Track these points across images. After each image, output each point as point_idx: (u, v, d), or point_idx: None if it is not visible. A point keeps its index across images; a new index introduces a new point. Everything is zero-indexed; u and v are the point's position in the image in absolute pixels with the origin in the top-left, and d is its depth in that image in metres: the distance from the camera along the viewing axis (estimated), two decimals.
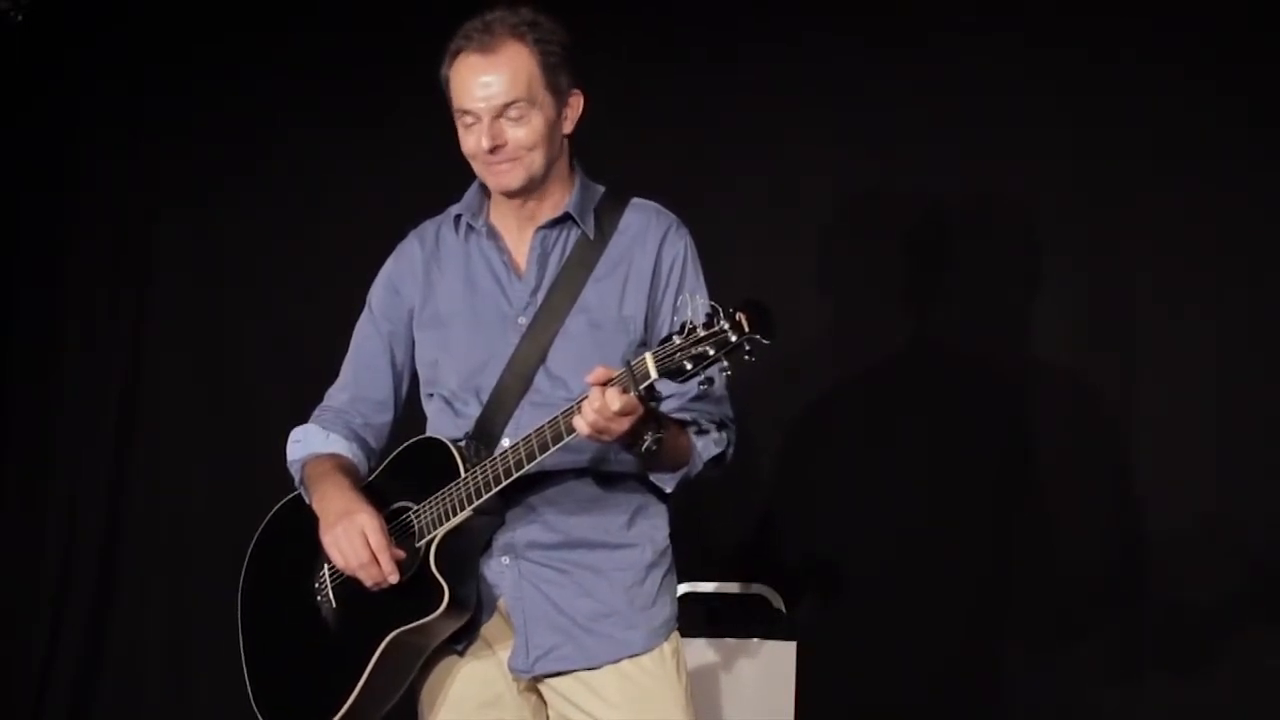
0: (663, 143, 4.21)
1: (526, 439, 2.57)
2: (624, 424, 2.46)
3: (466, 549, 2.71)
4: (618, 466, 2.71)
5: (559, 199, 2.78)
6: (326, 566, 2.77)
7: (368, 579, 2.66)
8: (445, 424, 2.78)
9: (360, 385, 2.91)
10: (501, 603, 2.76)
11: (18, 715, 4.83)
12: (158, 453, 4.83)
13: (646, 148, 4.17)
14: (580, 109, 2.76)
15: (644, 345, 2.71)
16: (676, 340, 2.37)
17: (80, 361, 4.90)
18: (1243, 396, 3.79)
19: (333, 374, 2.96)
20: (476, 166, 2.76)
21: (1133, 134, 3.87)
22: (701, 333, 2.35)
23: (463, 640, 2.76)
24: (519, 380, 2.72)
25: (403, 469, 2.78)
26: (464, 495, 2.64)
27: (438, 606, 2.62)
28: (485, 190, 2.83)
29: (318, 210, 4.63)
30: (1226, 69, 3.79)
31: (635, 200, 2.83)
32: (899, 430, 4.04)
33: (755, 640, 3.84)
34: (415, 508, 2.70)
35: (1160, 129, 3.84)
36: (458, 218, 2.84)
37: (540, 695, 2.80)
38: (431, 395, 2.83)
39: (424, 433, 2.82)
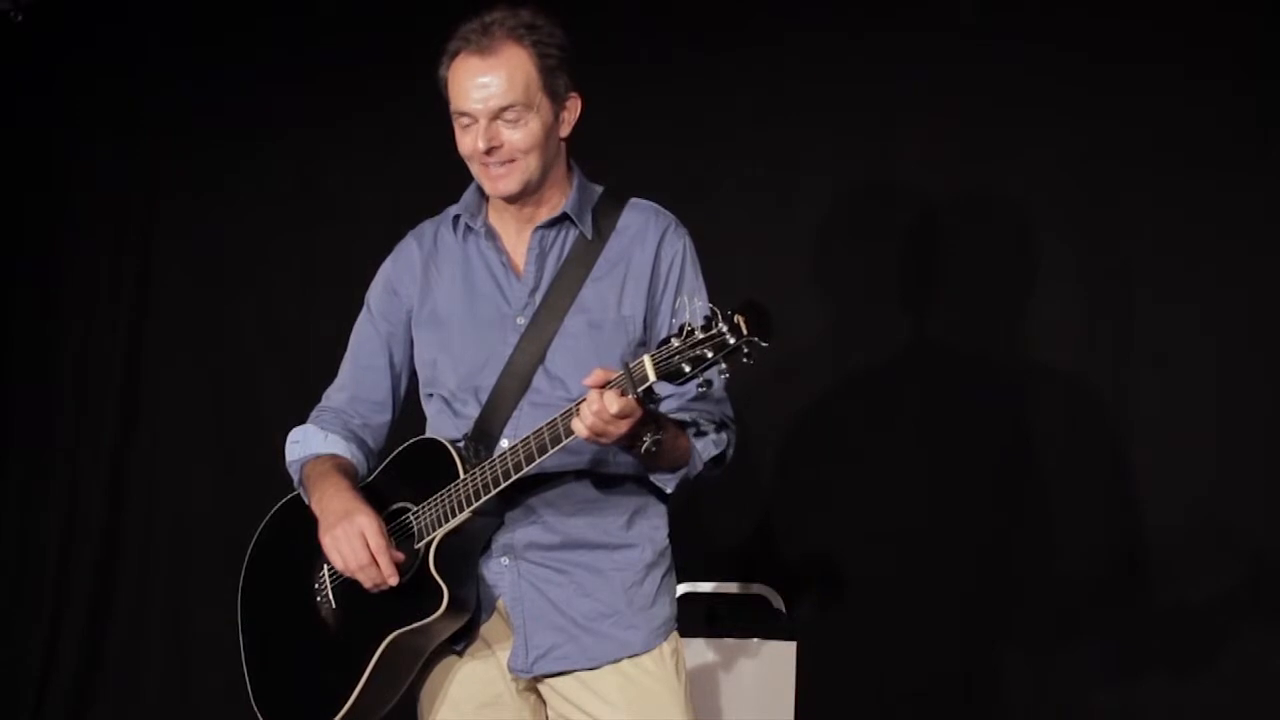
0: (662, 143, 4.22)
1: (525, 441, 2.57)
2: (622, 426, 2.46)
3: (466, 550, 2.71)
4: (617, 468, 2.71)
5: (557, 200, 2.78)
6: (326, 567, 2.77)
7: (367, 581, 2.66)
8: (444, 424, 2.78)
9: (359, 385, 2.91)
10: (501, 603, 2.76)
11: (18, 715, 4.83)
12: (158, 453, 4.84)
13: (646, 148, 4.18)
14: (578, 112, 2.76)
15: (643, 345, 2.72)
16: (675, 343, 2.38)
17: (80, 361, 4.90)
18: (1242, 396, 3.79)
19: (332, 374, 2.96)
20: (473, 169, 2.75)
21: (1132, 134, 3.87)
22: (700, 335, 2.35)
23: (462, 641, 2.76)
24: (518, 380, 2.72)
25: (402, 469, 2.78)
26: (463, 497, 2.64)
27: (437, 608, 2.62)
28: (483, 190, 2.82)
29: (318, 210, 4.64)
30: (1226, 69, 3.79)
31: (633, 200, 2.83)
32: (899, 430, 4.04)
33: (755, 640, 3.84)
34: (414, 509, 2.70)
35: (1160, 129, 3.84)
36: (456, 218, 2.84)
37: (539, 695, 2.80)
38: (431, 395, 2.83)
39: (423, 433, 2.81)
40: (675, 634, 2.80)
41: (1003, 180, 3.99)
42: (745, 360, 2.36)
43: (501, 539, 2.74)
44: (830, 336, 4.11)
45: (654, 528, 2.79)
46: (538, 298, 2.75)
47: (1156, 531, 3.83)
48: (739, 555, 4.13)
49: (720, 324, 2.34)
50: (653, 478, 2.73)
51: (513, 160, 2.69)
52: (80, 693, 4.84)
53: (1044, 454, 3.94)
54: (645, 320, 2.75)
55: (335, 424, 2.89)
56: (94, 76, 4.88)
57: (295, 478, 2.87)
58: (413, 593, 2.64)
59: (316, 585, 2.80)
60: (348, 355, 2.93)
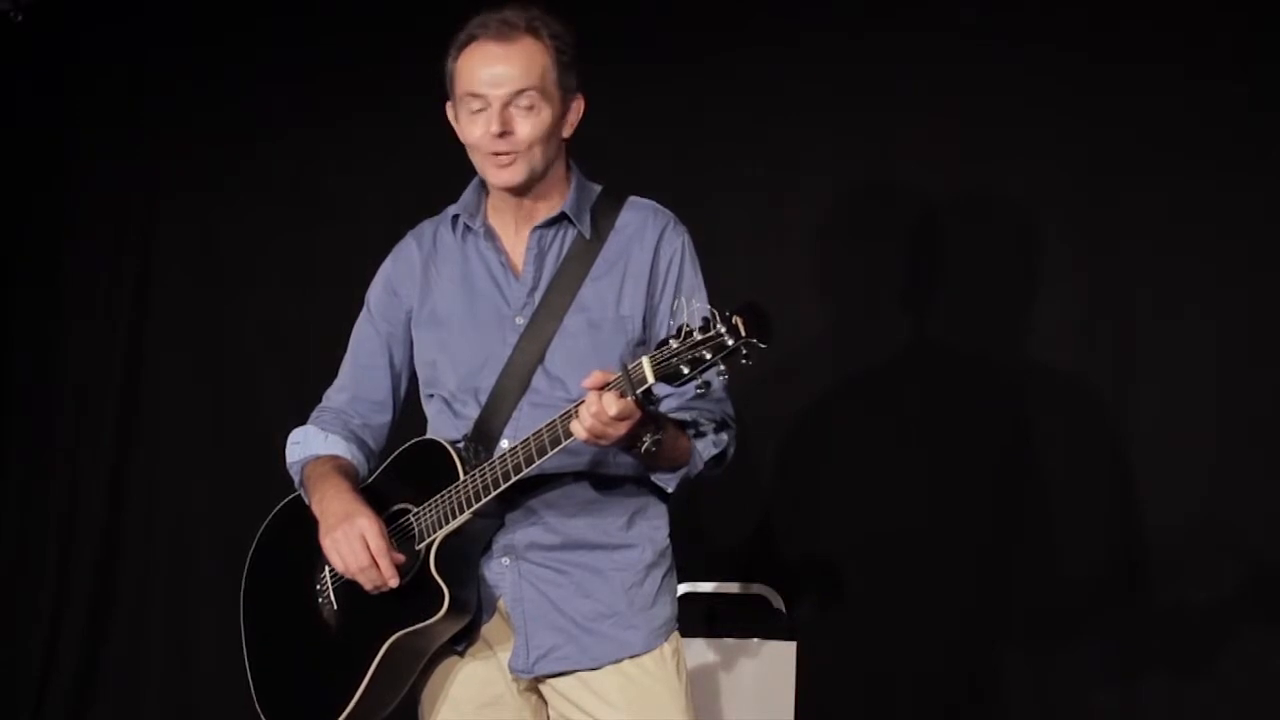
0: (662, 143, 4.22)
1: (525, 442, 2.57)
2: (621, 428, 2.46)
3: (467, 551, 2.71)
4: (617, 469, 2.71)
5: (556, 199, 2.77)
6: (327, 568, 2.77)
7: (367, 583, 2.65)
8: (444, 424, 2.78)
9: (359, 386, 2.90)
10: (501, 603, 2.76)
11: (18, 715, 4.84)
12: (158, 453, 4.84)
13: (646, 148, 4.18)
14: (580, 114, 2.76)
15: (642, 344, 2.72)
16: (673, 344, 2.38)
17: (80, 361, 4.90)
18: (1242, 396, 3.79)
19: (332, 374, 2.96)
20: (477, 160, 2.73)
21: (1133, 134, 3.86)
22: (698, 337, 2.35)
23: (463, 641, 2.76)
24: (517, 381, 2.72)
25: (402, 470, 2.77)
26: (464, 498, 2.64)
27: (438, 610, 2.62)
28: (483, 190, 2.82)
29: (318, 210, 4.64)
30: (1227, 69, 3.79)
31: (632, 199, 2.83)
32: (899, 430, 4.04)
33: (755, 640, 3.84)
34: (415, 510, 2.70)
35: (1160, 129, 3.84)
36: (455, 218, 2.84)
37: (540, 696, 2.80)
38: (431, 396, 2.83)
39: (424, 433, 2.81)
40: (676, 634, 2.80)
41: (1003, 180, 3.99)
42: (744, 362, 2.36)
43: (502, 539, 2.74)
44: (830, 336, 4.11)
45: (654, 528, 2.79)
46: (536, 297, 2.75)
47: (1156, 531, 3.83)
48: (739, 555, 4.13)
49: (719, 325, 2.34)
50: (653, 477, 2.72)
51: (520, 151, 2.68)
52: (80, 693, 4.84)
53: (1044, 454, 3.94)
54: (644, 319, 2.74)
55: (335, 424, 2.89)
56: (94, 76, 4.88)
57: (296, 479, 2.86)
58: (414, 594, 2.64)
59: (318, 586, 2.79)
60: (348, 355, 2.93)
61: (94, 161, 4.90)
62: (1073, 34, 3.91)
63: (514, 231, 2.79)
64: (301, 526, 2.77)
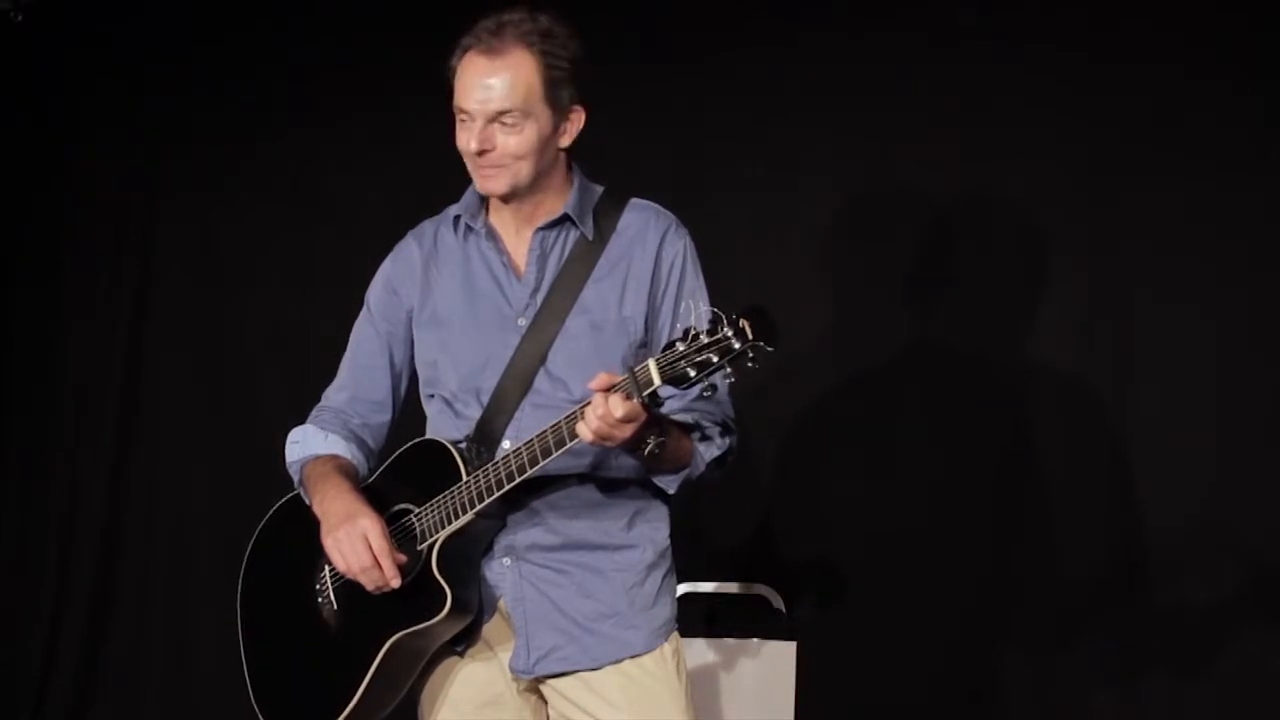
0: (662, 143, 4.21)
1: (529, 443, 2.57)
2: (627, 430, 2.46)
3: (468, 552, 2.71)
4: (619, 470, 2.71)
5: (557, 201, 2.77)
6: (327, 568, 2.76)
7: (369, 583, 2.65)
8: (445, 425, 2.78)
9: (358, 386, 2.90)
10: (502, 603, 2.75)
11: (18, 715, 4.84)
12: (158, 453, 4.84)
13: (646, 148, 4.18)
14: (581, 124, 2.73)
15: (644, 346, 2.72)
16: (680, 347, 2.37)
17: (80, 361, 4.90)
18: (1242, 397, 3.79)
19: (332, 374, 2.95)
20: (467, 164, 2.74)
21: (1132, 134, 3.86)
22: (705, 339, 2.35)
23: (463, 641, 2.75)
24: (519, 382, 2.71)
25: (403, 470, 2.77)
26: (466, 499, 2.63)
27: (440, 610, 2.62)
28: None
29: (318, 210, 4.64)
30: (1226, 69, 3.79)
31: (634, 200, 2.82)
32: (899, 430, 4.04)
33: (755, 640, 3.84)
34: (416, 510, 2.70)
35: (1160, 129, 3.84)
36: (456, 218, 2.83)
37: (540, 696, 2.80)
38: (431, 396, 2.82)
39: (423, 433, 2.81)
40: (676, 634, 2.80)
41: (1003, 180, 3.99)
42: (750, 365, 2.36)
43: (503, 540, 2.73)
44: (830, 336, 4.11)
45: (655, 529, 2.78)
46: (539, 298, 2.74)
47: (1156, 532, 3.83)
48: (739, 555, 4.13)
49: (725, 328, 2.34)
50: (655, 479, 2.72)
51: (503, 165, 2.68)
52: (80, 693, 4.85)
53: (1044, 454, 3.94)
54: (646, 321, 2.74)
55: (335, 424, 2.88)
56: (94, 76, 4.88)
57: (295, 478, 2.86)
58: (415, 595, 2.64)
59: (317, 586, 2.79)
60: (347, 355, 2.92)
61: (94, 161, 4.90)
62: (1073, 34, 3.91)
63: (515, 232, 2.79)
64: (300, 526, 2.77)
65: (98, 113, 4.88)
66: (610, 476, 2.72)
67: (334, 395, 2.92)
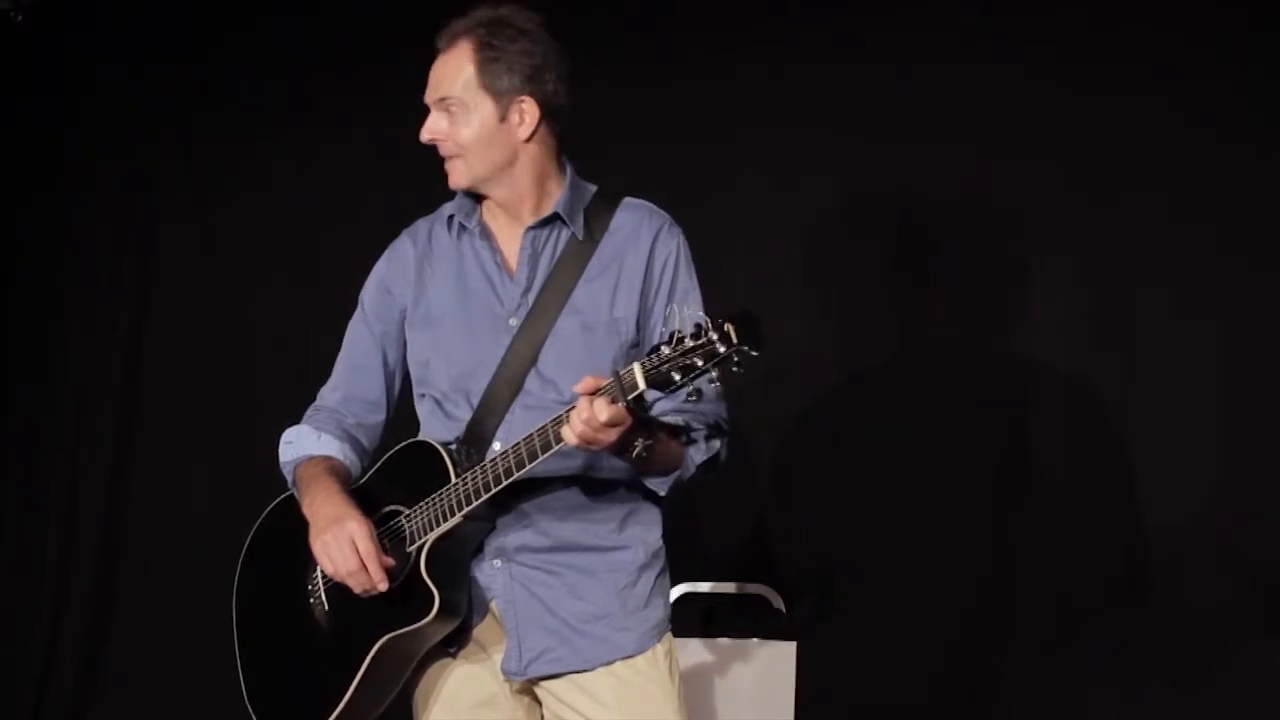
0: (662, 143, 4.21)
1: (516, 446, 2.56)
2: (612, 434, 2.45)
3: (458, 554, 2.70)
4: (609, 473, 2.70)
5: (548, 199, 2.76)
6: (319, 569, 2.76)
7: (357, 586, 2.65)
8: (436, 426, 2.77)
9: (352, 385, 2.89)
10: (494, 605, 2.75)
11: (18, 715, 4.84)
12: (158, 453, 4.84)
13: (646, 148, 4.18)
14: (536, 116, 2.71)
15: (636, 346, 2.71)
16: (665, 351, 2.36)
17: (80, 361, 4.90)
18: (1242, 397, 3.79)
19: (330, 377, 2.96)
20: None
21: (1133, 134, 3.87)
22: (690, 344, 2.33)
23: (456, 642, 2.75)
24: (510, 383, 2.70)
25: (394, 471, 2.76)
26: (455, 501, 2.62)
27: (428, 613, 2.61)
28: None
29: (318, 210, 4.64)
30: (1226, 69, 3.79)
31: (627, 200, 2.81)
32: (899, 430, 4.04)
33: (755, 640, 3.84)
34: (406, 512, 2.69)
35: (1160, 129, 3.84)
36: (450, 218, 2.82)
37: (533, 697, 2.79)
38: (423, 396, 2.82)
39: (418, 432, 2.80)
40: (669, 635, 2.79)
41: (1002, 180, 3.99)
42: (735, 369, 2.35)
43: (494, 542, 2.73)
44: (830, 336, 4.11)
45: (647, 529, 2.77)
46: (530, 298, 2.73)
47: (1157, 531, 3.83)
48: (738, 555, 4.13)
49: (710, 333, 2.32)
50: (645, 481, 2.71)
51: (455, 155, 2.71)
52: (80, 693, 4.84)
53: (1044, 454, 3.94)
54: (638, 322, 2.73)
55: (329, 424, 2.87)
56: (94, 76, 4.88)
57: (289, 479, 2.85)
58: (404, 597, 2.63)
59: (310, 587, 2.79)
60: (341, 354, 2.92)
61: (94, 161, 4.90)
62: (1073, 34, 3.91)
63: (508, 231, 2.78)
64: (295, 526, 2.76)
65: (98, 113, 4.88)
66: (600, 478, 2.70)
67: (328, 395, 2.91)
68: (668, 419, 2.65)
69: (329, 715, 2.67)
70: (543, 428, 2.52)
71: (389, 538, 2.68)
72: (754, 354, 2.34)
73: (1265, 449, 3.76)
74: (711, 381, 2.36)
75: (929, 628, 3.96)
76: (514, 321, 2.73)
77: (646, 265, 2.73)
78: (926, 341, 4.03)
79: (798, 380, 4.09)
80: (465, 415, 2.72)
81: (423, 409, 2.82)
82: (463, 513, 2.62)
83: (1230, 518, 3.77)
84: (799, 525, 4.14)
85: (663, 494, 2.74)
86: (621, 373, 2.40)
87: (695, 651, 3.76)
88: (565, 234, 2.75)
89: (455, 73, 2.69)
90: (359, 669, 2.65)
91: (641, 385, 2.38)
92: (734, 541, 4.17)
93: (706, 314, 2.37)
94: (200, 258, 4.80)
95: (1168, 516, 3.82)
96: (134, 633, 4.85)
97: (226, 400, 4.75)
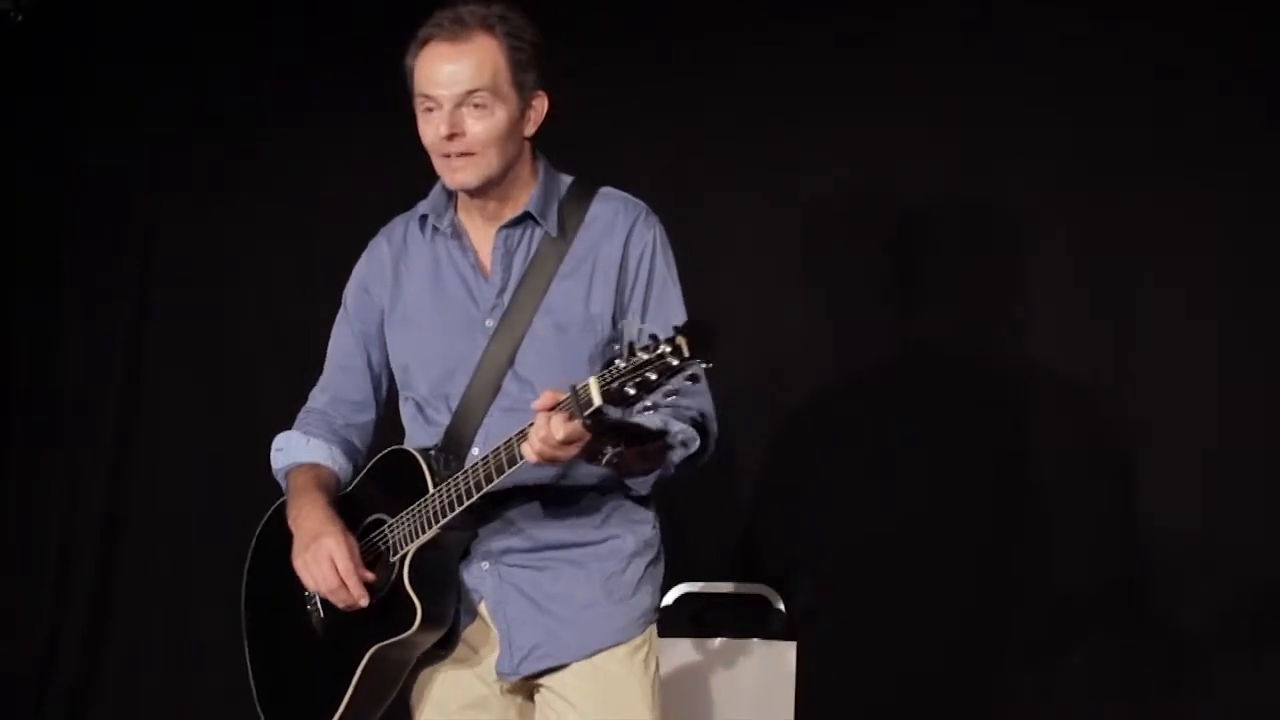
0: (661, 143, 4.21)
1: (485, 459, 2.53)
2: (571, 450, 2.41)
3: (442, 562, 2.68)
4: (588, 477, 2.66)
5: (522, 197, 2.71)
6: None
7: (338, 602, 2.65)
8: (418, 432, 2.75)
9: (339, 387, 2.88)
10: (483, 606, 2.73)
11: (18, 715, 4.83)
12: (158, 453, 4.83)
13: (646, 148, 4.17)
14: (544, 112, 2.68)
15: (615, 342, 2.60)
16: (619, 365, 2.30)
17: (80, 361, 4.90)
18: (1243, 397, 3.79)
19: (319, 379, 2.96)
20: (435, 162, 2.68)
21: (1133, 134, 3.87)
22: (644, 356, 2.27)
23: (447, 644, 2.73)
24: (488, 385, 2.67)
25: (378, 479, 2.75)
26: (433, 512, 2.61)
27: (411, 625, 2.60)
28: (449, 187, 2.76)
29: (318, 210, 4.63)
30: (1226, 69, 3.79)
31: (603, 190, 2.75)
32: (899, 430, 4.04)
33: (755, 640, 3.84)
34: (390, 521, 2.68)
35: (1160, 129, 3.84)
36: (423, 218, 2.78)
37: (526, 696, 2.77)
38: (407, 399, 2.79)
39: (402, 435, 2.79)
40: (652, 628, 2.75)
41: (1002, 180, 3.99)
42: (689, 382, 2.29)
43: (480, 546, 2.71)
44: (830, 336, 4.11)
45: (635, 520, 2.74)
46: (505, 298, 2.69)
47: (1156, 532, 3.84)
48: (738, 555, 4.13)
49: (663, 345, 2.26)
50: (626, 481, 2.67)
51: (472, 153, 2.62)
52: (80, 693, 4.84)
53: (1044, 455, 3.95)
54: (614, 317, 2.68)
55: (319, 426, 2.87)
56: (94, 76, 4.88)
57: (282, 485, 2.85)
58: (390, 608, 2.63)
59: (307, 593, 2.78)
60: (327, 356, 2.91)
61: (94, 161, 4.89)
62: (1073, 34, 3.91)
63: (483, 230, 2.74)
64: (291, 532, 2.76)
65: (98, 113, 4.88)
66: (579, 483, 2.67)
67: (317, 396, 2.91)
68: (645, 417, 2.52)
69: (331, 718, 2.67)
70: (507, 441, 2.49)
71: (372, 549, 2.68)
72: (707, 366, 2.29)
73: (1265, 449, 3.76)
74: (667, 395, 2.30)
75: (929, 628, 3.96)
76: (490, 323, 2.69)
77: (622, 258, 2.68)
78: (926, 341, 4.03)
79: (797, 379, 4.09)
80: (445, 420, 2.70)
81: (405, 412, 2.80)
82: (440, 524, 2.60)
83: (1229, 517, 3.77)
84: (798, 525, 4.14)
85: (644, 493, 2.71)
86: (578, 388, 2.35)
87: (694, 651, 3.76)
88: (539, 231, 2.71)
89: (482, 67, 2.61)
90: (352, 677, 2.66)
91: (597, 401, 2.32)
92: (733, 541, 4.17)
93: (658, 328, 2.32)
94: (200, 258, 4.79)
95: (1167, 516, 3.82)
96: (134, 633, 4.84)
97: (226, 400, 4.74)
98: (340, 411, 2.87)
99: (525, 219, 2.71)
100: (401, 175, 4.37)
